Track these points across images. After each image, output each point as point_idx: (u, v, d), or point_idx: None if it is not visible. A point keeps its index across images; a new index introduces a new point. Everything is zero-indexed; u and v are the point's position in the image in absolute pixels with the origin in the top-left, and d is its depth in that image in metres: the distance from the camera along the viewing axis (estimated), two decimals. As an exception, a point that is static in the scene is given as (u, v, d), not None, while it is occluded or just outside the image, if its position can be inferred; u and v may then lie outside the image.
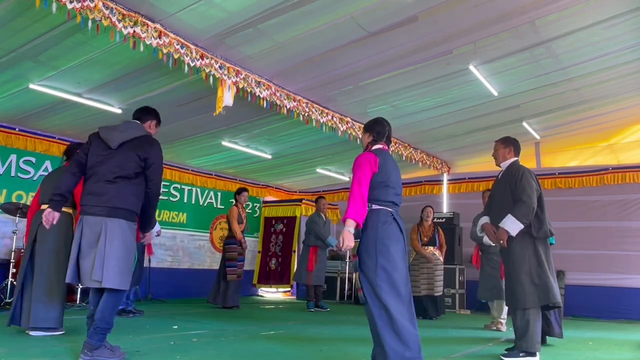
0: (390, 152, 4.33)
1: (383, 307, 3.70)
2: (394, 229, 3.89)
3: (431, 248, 8.61)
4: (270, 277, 12.89)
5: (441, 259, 8.70)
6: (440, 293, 8.58)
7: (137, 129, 4.30)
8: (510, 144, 5.04)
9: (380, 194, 3.92)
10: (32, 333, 5.16)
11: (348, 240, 3.71)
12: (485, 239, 6.63)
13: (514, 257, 4.61)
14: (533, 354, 4.47)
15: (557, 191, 10.64)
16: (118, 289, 3.95)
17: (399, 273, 3.78)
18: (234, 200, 9.40)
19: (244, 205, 9.53)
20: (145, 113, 4.53)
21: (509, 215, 4.59)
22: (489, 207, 5.00)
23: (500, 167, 5.07)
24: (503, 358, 4.52)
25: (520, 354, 4.48)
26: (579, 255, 10.00)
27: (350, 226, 3.73)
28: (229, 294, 9.00)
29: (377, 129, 4.20)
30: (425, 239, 8.66)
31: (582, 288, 10.10)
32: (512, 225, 4.58)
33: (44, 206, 5.28)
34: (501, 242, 4.64)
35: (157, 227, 7.47)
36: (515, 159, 5.00)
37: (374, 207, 3.91)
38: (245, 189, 9.37)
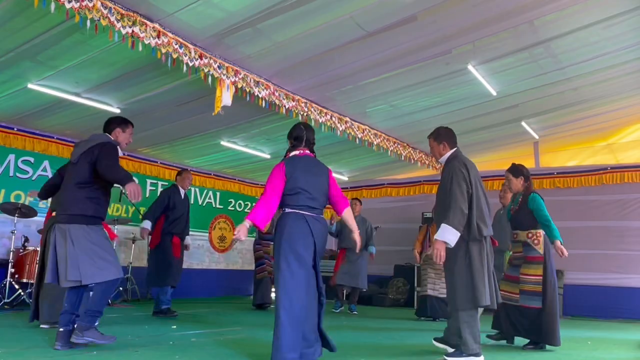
0: (315, 156, 4.49)
1: (277, 307, 4.00)
2: (302, 231, 4.09)
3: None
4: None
5: None
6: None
7: (96, 139, 4.70)
8: (442, 138, 4.80)
9: (290, 200, 4.18)
10: (42, 326, 5.73)
11: (239, 233, 4.00)
12: None
13: (447, 258, 4.48)
14: (476, 355, 4.37)
15: (555, 191, 10.65)
16: (101, 281, 4.43)
17: (299, 275, 4.02)
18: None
19: None
20: (107, 124, 4.95)
21: (444, 225, 4.39)
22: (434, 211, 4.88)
23: (440, 163, 4.90)
24: (446, 358, 4.46)
25: (463, 355, 4.39)
26: (578, 255, 9.99)
27: (247, 224, 4.04)
28: (259, 293, 9.15)
29: (295, 134, 4.46)
30: None
31: (581, 288, 10.11)
32: (449, 235, 4.36)
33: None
34: (439, 256, 4.43)
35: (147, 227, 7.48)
36: (452, 151, 4.76)
37: (287, 210, 4.21)
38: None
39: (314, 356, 4.10)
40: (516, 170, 5.73)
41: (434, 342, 4.94)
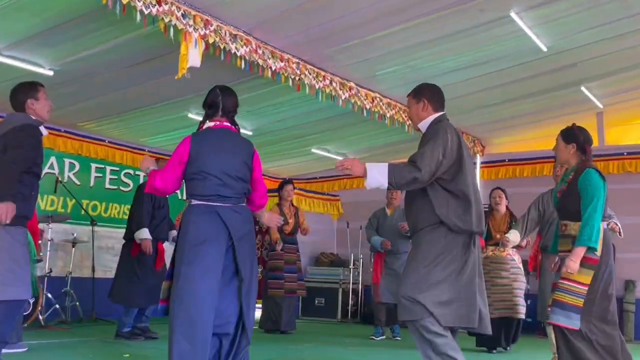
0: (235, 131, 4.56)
1: (170, 318, 4.07)
2: (212, 229, 4.13)
3: (504, 250, 7.72)
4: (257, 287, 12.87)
5: (520, 265, 7.84)
6: (523, 315, 7.74)
7: (13, 122, 4.65)
8: (423, 95, 4.57)
9: (196, 187, 4.23)
10: None
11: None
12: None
13: (413, 245, 4.43)
14: None
15: (625, 176, 10.64)
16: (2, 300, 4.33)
17: (203, 292, 4.05)
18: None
19: (289, 201, 9.71)
20: (14, 99, 4.83)
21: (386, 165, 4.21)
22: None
23: (419, 130, 4.69)
24: None
25: None
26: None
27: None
28: (268, 313, 9.28)
29: (208, 100, 4.52)
30: (498, 235, 7.74)
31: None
32: (375, 172, 4.17)
33: None
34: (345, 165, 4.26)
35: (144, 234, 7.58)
36: (436, 115, 4.52)
37: (193, 202, 4.25)
38: (287, 181, 9.74)
39: None
40: (569, 133, 5.29)
41: None
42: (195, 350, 3.97)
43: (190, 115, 9.61)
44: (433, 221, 4.19)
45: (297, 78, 7.65)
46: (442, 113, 4.50)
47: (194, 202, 4.23)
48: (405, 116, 9.53)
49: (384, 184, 4.11)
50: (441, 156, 4.12)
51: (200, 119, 9.73)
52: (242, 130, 10.53)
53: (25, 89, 4.85)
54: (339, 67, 8.16)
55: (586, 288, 4.82)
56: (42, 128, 4.77)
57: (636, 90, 9.80)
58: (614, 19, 7.35)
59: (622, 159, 10.80)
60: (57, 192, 9.72)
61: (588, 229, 4.82)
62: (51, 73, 7.64)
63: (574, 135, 5.20)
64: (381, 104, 9.01)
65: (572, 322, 4.82)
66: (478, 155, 12.11)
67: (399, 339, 9.00)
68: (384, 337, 9.09)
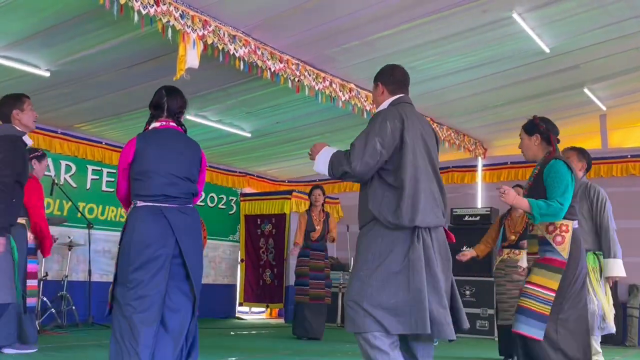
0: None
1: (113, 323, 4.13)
2: (157, 231, 4.10)
3: (521, 252, 7.32)
4: (265, 293, 12.87)
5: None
6: None
7: None
8: (379, 78, 4.43)
9: (140, 187, 4.20)
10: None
11: None
12: None
13: (358, 247, 4.15)
14: None
15: (629, 179, 10.63)
16: None
17: (144, 303, 4.03)
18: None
19: (318, 207, 9.55)
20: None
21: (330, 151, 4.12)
22: None
23: None
24: None
25: None
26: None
27: None
28: (298, 320, 9.26)
29: (154, 101, 4.46)
30: (513, 236, 7.46)
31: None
32: (322, 157, 4.11)
33: None
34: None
35: None
36: (393, 98, 4.27)
37: (138, 204, 4.20)
38: (316, 186, 9.65)
39: None
40: (531, 125, 5.03)
41: None
42: (138, 357, 3.98)
43: (188, 116, 9.58)
44: (369, 218, 3.94)
45: (296, 79, 7.65)
46: (399, 96, 4.26)
47: (139, 203, 4.20)
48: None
49: (326, 173, 4.03)
50: (379, 146, 3.84)
51: (199, 120, 9.83)
52: (239, 132, 10.62)
53: (11, 102, 5.16)
54: (339, 68, 8.15)
55: (553, 294, 4.53)
56: (26, 138, 4.98)
57: (640, 93, 9.80)
58: (617, 20, 7.33)
59: (626, 162, 10.79)
60: (53, 194, 9.69)
61: (545, 204, 4.56)
62: (48, 74, 7.64)
63: (535, 126, 4.97)
64: (382, 105, 8.99)
65: (536, 331, 4.53)
66: (480, 158, 12.10)
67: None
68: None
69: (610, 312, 5.75)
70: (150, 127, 4.42)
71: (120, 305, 4.10)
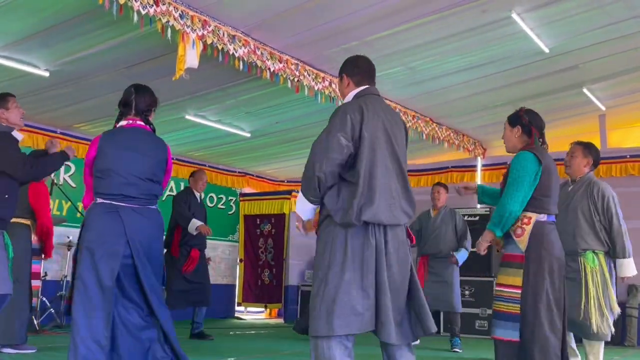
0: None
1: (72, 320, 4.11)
2: (109, 230, 4.15)
3: None
4: (263, 293, 12.86)
5: None
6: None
7: None
8: (342, 69, 4.33)
9: (100, 185, 4.28)
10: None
11: None
12: None
13: (317, 248, 4.00)
14: None
15: (628, 179, 10.62)
16: None
17: (94, 300, 4.08)
18: None
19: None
20: None
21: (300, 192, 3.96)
22: None
23: None
24: None
25: None
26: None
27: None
28: (306, 314, 9.23)
29: (122, 99, 4.50)
30: None
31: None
32: (299, 204, 3.96)
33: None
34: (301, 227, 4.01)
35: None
36: (357, 90, 4.17)
37: (98, 201, 4.28)
38: None
39: None
40: (514, 116, 5.00)
41: None
42: (94, 354, 4.01)
43: (187, 116, 9.61)
44: (324, 215, 3.82)
45: (296, 79, 7.65)
46: (364, 87, 4.15)
47: (99, 200, 4.25)
48: (406, 118, 9.52)
49: (308, 203, 3.86)
50: (344, 140, 3.69)
51: (199, 120, 9.84)
52: (239, 132, 10.62)
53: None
54: (338, 68, 8.10)
55: (519, 291, 4.40)
56: (15, 133, 5.01)
57: (639, 93, 9.79)
58: (616, 20, 7.32)
59: (625, 162, 10.78)
60: (52, 194, 9.69)
61: (496, 213, 4.51)
62: (47, 74, 7.64)
63: (519, 118, 4.92)
64: (381, 105, 8.99)
65: (511, 333, 4.42)
66: (479, 158, 12.10)
67: (458, 350, 8.31)
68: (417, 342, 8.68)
69: (595, 314, 5.47)
70: (117, 126, 4.45)
71: (75, 302, 4.15)
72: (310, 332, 3.64)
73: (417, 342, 8.52)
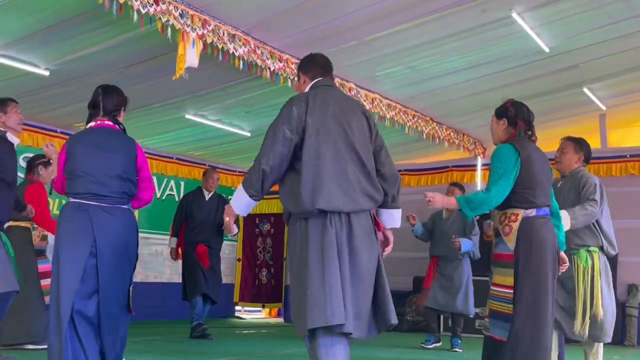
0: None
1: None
2: (76, 229, 4.19)
3: None
4: (261, 293, 12.86)
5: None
6: None
7: None
8: (299, 69, 4.38)
9: (71, 186, 4.33)
10: None
11: None
12: None
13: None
14: None
15: (628, 179, 10.61)
16: None
17: (60, 286, 4.14)
18: None
19: None
20: None
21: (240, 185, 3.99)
22: None
23: None
24: None
25: None
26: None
27: None
28: None
29: (91, 101, 4.54)
30: None
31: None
32: (236, 198, 3.97)
33: None
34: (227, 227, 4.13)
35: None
36: (311, 84, 4.18)
37: (70, 200, 4.35)
38: None
39: None
40: (501, 108, 4.98)
41: None
42: (60, 345, 4.09)
43: (187, 116, 9.61)
44: (288, 213, 3.86)
45: (296, 79, 7.63)
46: (317, 80, 4.14)
47: (71, 199, 4.31)
48: (406, 118, 9.52)
49: (248, 198, 3.83)
50: (288, 133, 3.69)
51: (199, 119, 9.84)
52: (239, 131, 10.61)
53: None
54: (338, 67, 8.08)
55: (511, 290, 4.32)
56: (10, 136, 5.12)
57: (639, 92, 9.79)
58: (616, 20, 7.33)
59: (625, 162, 10.77)
60: (52, 194, 9.66)
61: (473, 194, 4.47)
62: (47, 73, 7.63)
63: (505, 110, 4.90)
64: (381, 105, 8.99)
65: (502, 332, 4.33)
66: (479, 157, 12.09)
67: (458, 350, 8.40)
68: (439, 344, 8.67)
69: (579, 315, 5.32)
70: (86, 127, 4.50)
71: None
72: (297, 330, 3.67)
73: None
